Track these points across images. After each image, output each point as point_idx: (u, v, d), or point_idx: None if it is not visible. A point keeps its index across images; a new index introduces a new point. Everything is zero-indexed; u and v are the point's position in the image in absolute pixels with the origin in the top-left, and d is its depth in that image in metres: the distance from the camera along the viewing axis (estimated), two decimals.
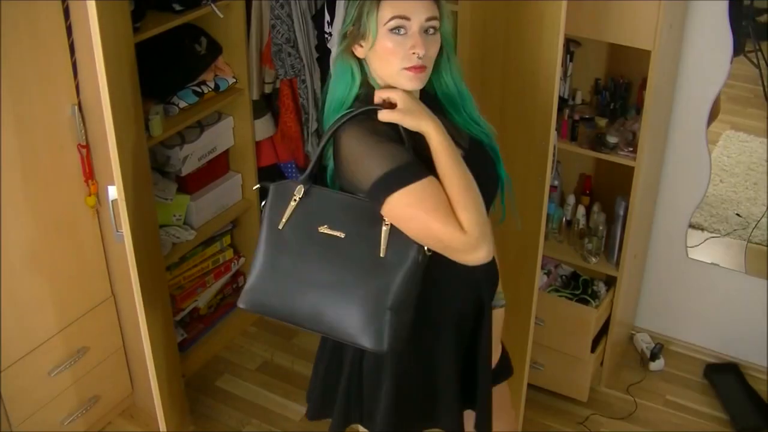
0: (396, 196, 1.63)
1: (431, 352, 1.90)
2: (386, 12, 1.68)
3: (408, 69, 1.69)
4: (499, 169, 1.89)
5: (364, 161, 1.66)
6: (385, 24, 1.68)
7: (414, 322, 1.77)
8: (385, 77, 1.74)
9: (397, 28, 1.68)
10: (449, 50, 1.80)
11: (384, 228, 1.68)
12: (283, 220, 1.74)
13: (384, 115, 1.69)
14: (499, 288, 2.03)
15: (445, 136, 1.70)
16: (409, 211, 1.64)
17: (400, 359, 1.85)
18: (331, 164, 1.81)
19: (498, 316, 2.04)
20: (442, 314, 1.88)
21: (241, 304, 1.79)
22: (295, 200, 1.74)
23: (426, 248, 1.69)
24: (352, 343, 1.71)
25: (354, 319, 1.68)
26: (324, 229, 1.71)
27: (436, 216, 1.63)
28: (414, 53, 1.68)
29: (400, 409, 1.91)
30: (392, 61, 1.70)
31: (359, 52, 1.75)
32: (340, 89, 1.78)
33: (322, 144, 1.75)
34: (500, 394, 2.18)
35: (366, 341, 1.68)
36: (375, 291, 1.68)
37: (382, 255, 1.68)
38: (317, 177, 1.80)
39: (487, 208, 1.84)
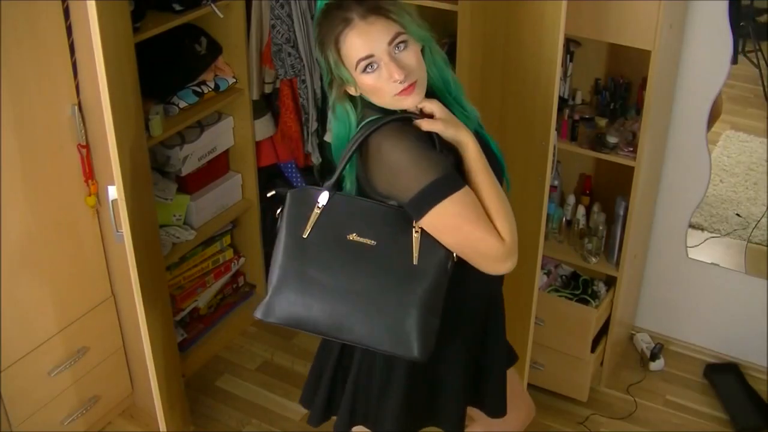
0: (442, 206, 1.64)
1: (443, 351, 1.90)
2: (350, 58, 1.66)
3: (398, 94, 1.68)
4: (494, 148, 1.88)
5: (410, 170, 1.65)
6: (356, 70, 1.67)
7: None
8: (385, 106, 1.73)
9: (368, 66, 1.66)
10: (428, 44, 1.76)
11: (415, 235, 1.68)
12: (308, 228, 1.71)
13: (427, 125, 1.68)
14: None
15: (479, 147, 1.71)
16: (454, 220, 1.65)
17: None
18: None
19: None
20: (457, 316, 1.88)
21: (258, 315, 1.72)
22: (319, 207, 1.71)
23: (454, 255, 1.70)
24: (383, 352, 1.70)
25: (385, 327, 1.67)
26: (353, 237, 1.69)
27: (479, 225, 1.65)
28: (395, 81, 1.66)
29: (409, 407, 1.91)
30: (381, 94, 1.69)
31: (352, 91, 1.74)
32: (343, 129, 1.78)
33: (351, 151, 1.71)
34: (512, 380, 2.18)
35: (399, 349, 1.68)
36: (406, 298, 1.67)
37: (415, 262, 1.68)
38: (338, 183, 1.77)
39: None
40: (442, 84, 1.82)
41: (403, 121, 1.70)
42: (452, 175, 1.66)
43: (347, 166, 1.75)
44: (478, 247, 1.67)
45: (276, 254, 1.72)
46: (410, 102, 1.70)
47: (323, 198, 1.71)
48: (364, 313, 1.68)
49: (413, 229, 1.68)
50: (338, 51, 1.67)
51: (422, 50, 1.73)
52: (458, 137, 1.71)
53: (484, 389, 2.03)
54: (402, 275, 1.68)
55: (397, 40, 1.66)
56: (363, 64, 1.66)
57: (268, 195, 1.84)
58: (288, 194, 1.74)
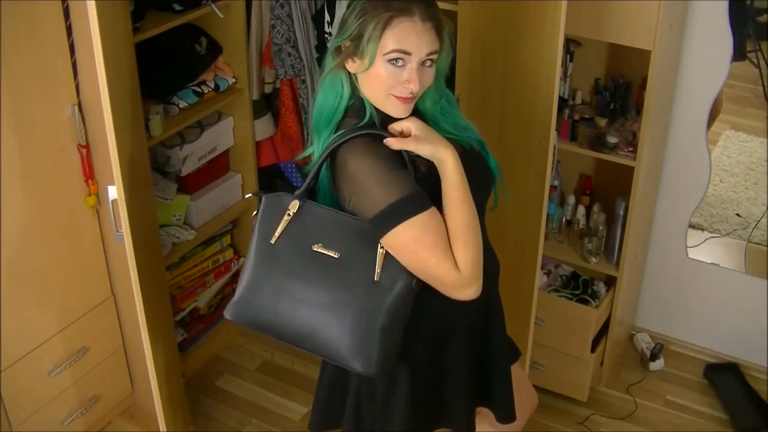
0: (399, 229, 1.62)
1: (444, 354, 1.90)
2: (389, 43, 1.64)
3: (397, 97, 1.68)
4: (489, 161, 1.87)
5: (372, 188, 1.63)
6: (384, 54, 1.65)
7: (430, 327, 1.78)
8: (372, 99, 1.72)
9: (396, 59, 1.65)
10: (440, 77, 1.77)
11: (380, 251, 1.67)
12: (276, 234, 1.71)
13: (397, 143, 1.67)
14: None
15: (460, 165, 1.69)
16: (409, 244, 1.63)
17: (416, 362, 1.85)
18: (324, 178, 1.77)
19: None
20: (456, 320, 1.88)
21: (227, 316, 1.74)
22: (289, 215, 1.71)
23: None
24: (341, 365, 1.70)
25: (344, 341, 1.66)
26: (318, 248, 1.69)
27: (434, 252, 1.63)
28: (407, 87, 1.66)
29: (414, 411, 1.90)
30: (382, 86, 1.68)
31: (351, 66, 1.71)
32: (331, 99, 1.75)
33: (321, 160, 1.71)
34: (515, 373, 2.17)
35: (356, 363, 1.67)
36: (367, 314, 1.66)
37: (376, 279, 1.66)
38: (312, 190, 1.76)
39: (485, 202, 1.85)
40: (431, 114, 1.81)
41: (374, 137, 1.68)
42: (415, 197, 1.63)
43: (321, 175, 1.74)
44: (433, 273, 1.64)
45: (248, 257, 1.73)
46: (400, 111, 1.70)
47: (293, 206, 1.71)
48: (324, 325, 1.67)
49: (379, 245, 1.67)
50: (383, 29, 1.64)
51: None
52: (437, 154, 1.69)
53: (491, 388, 2.03)
54: (363, 291, 1.66)
55: (431, 57, 1.67)
56: (395, 55, 1.65)
57: (246, 196, 1.84)
58: (263, 198, 1.74)
